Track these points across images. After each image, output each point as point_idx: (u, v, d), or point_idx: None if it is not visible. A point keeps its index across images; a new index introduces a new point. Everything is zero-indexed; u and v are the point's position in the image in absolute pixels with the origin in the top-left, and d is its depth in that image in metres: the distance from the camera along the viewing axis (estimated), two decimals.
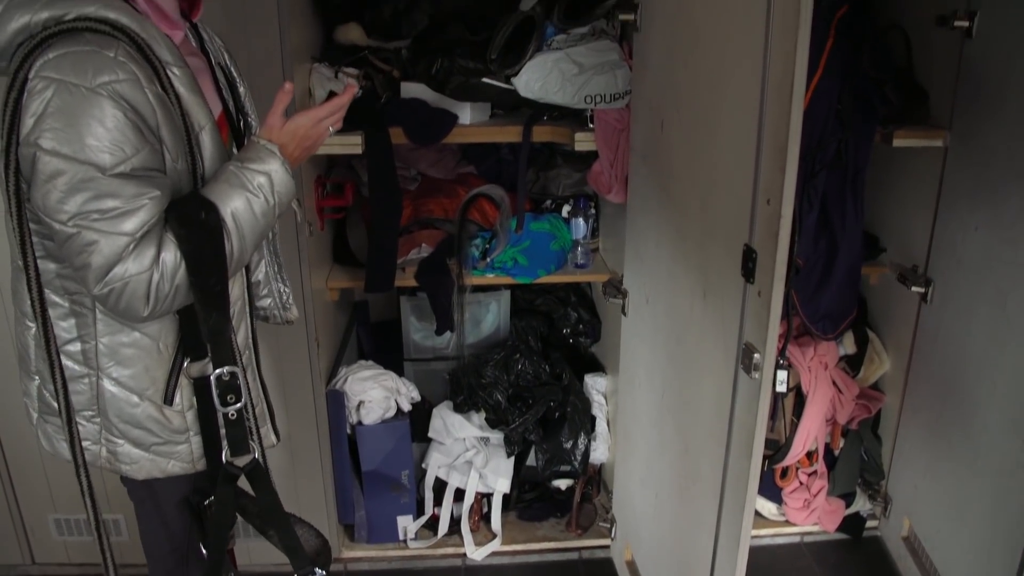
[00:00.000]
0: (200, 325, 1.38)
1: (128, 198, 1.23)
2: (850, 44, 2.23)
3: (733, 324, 1.57)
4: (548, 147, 2.68)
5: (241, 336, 1.55)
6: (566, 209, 2.64)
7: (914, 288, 2.38)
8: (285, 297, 1.79)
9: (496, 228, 2.55)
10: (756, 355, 1.48)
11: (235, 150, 1.52)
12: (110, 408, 1.44)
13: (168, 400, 1.45)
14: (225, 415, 1.43)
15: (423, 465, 2.76)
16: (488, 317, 2.87)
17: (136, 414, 1.45)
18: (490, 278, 2.55)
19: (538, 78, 2.17)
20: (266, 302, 1.76)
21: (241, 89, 1.60)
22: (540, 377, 2.73)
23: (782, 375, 1.62)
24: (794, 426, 2.54)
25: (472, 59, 2.19)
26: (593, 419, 2.74)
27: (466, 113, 2.33)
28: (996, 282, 2.08)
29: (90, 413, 1.46)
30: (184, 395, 1.47)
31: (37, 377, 1.49)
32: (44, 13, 1.21)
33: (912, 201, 2.44)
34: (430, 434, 2.75)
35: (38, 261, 1.34)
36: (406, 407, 2.61)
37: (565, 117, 2.32)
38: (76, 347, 1.42)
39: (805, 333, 2.53)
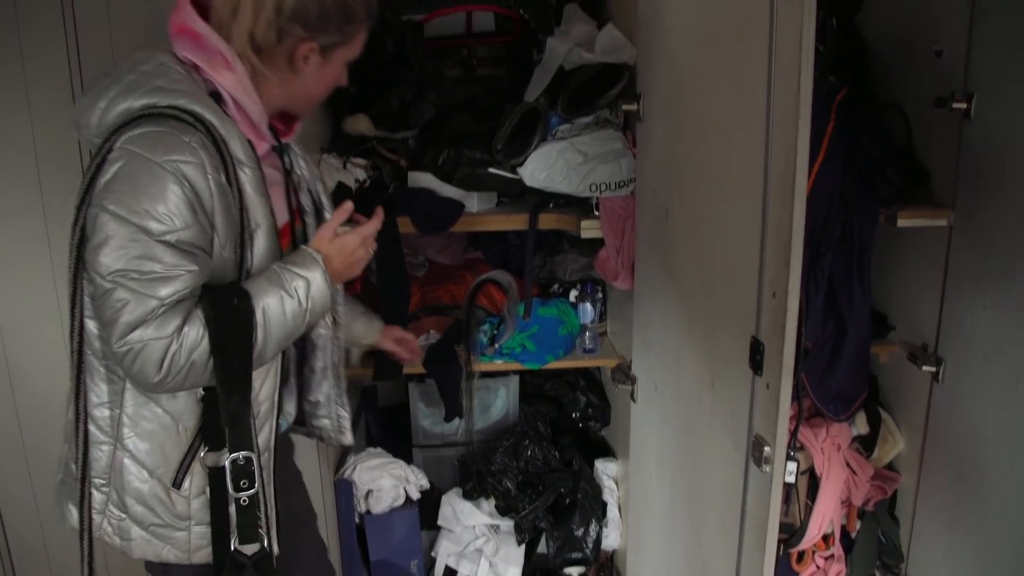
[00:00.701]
0: (220, 408, 1.41)
1: (168, 266, 1.31)
2: (851, 126, 2.25)
3: (742, 415, 1.56)
4: (555, 232, 2.70)
5: (263, 437, 1.54)
6: (573, 294, 2.65)
7: (925, 367, 2.36)
8: (343, 421, 1.84)
9: (504, 314, 2.56)
10: (766, 448, 1.46)
11: None
12: (120, 479, 1.47)
13: (177, 484, 1.47)
14: (237, 500, 1.45)
15: (432, 553, 2.72)
16: (497, 402, 2.85)
17: (143, 490, 1.47)
18: (499, 364, 2.55)
19: (543, 168, 2.20)
20: (323, 423, 1.83)
21: (327, 215, 1.67)
22: (550, 463, 2.71)
23: (791, 466, 1.60)
24: (809, 509, 2.50)
25: (478, 149, 2.23)
26: (604, 505, 2.70)
27: (473, 202, 2.35)
28: (1008, 363, 2.06)
29: (101, 481, 1.48)
30: (193, 482, 1.48)
31: (67, 441, 1.52)
32: (142, 100, 1.34)
33: (919, 280, 2.43)
34: (439, 522, 2.72)
35: (85, 320, 1.42)
36: (415, 495, 2.59)
37: (571, 204, 2.34)
38: (104, 412, 1.46)
39: (817, 414, 2.50)
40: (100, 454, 1.47)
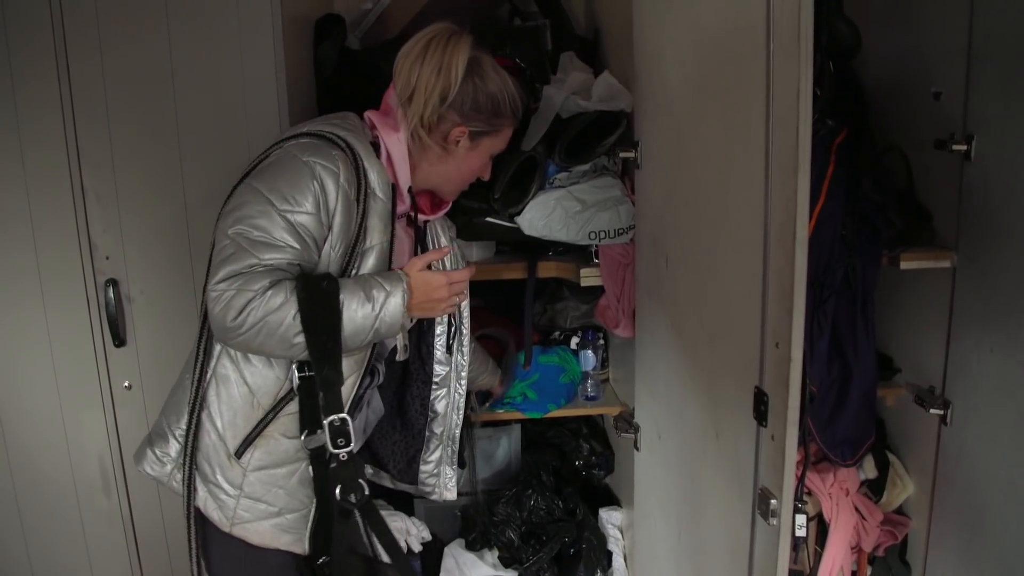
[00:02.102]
0: (315, 378, 1.60)
1: (279, 236, 1.54)
2: (851, 169, 2.23)
3: (748, 467, 1.53)
4: (555, 279, 2.69)
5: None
6: (574, 341, 2.63)
7: (932, 410, 2.33)
8: (448, 479, 2.16)
9: (501, 369, 2.54)
10: (773, 500, 1.43)
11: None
12: (198, 436, 1.68)
13: (239, 453, 1.66)
14: (337, 456, 1.64)
15: None
16: (499, 452, 2.82)
17: (210, 447, 1.68)
18: (500, 413, 2.52)
19: (542, 216, 2.19)
20: (432, 481, 2.14)
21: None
22: (553, 513, 2.66)
23: (801, 519, 1.57)
24: (818, 556, 2.46)
25: (475, 199, 2.22)
26: (609, 555, 2.66)
27: (471, 251, 2.34)
28: (1017, 406, 2.03)
29: (180, 432, 1.71)
30: (254, 456, 1.67)
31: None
32: (314, 128, 1.67)
33: (924, 322, 2.41)
34: (442, 574, 2.67)
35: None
36: (416, 548, 2.54)
37: (570, 252, 2.33)
38: (216, 371, 1.69)
39: (824, 459, 2.46)
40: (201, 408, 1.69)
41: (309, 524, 1.74)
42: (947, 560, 2.40)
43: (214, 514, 1.70)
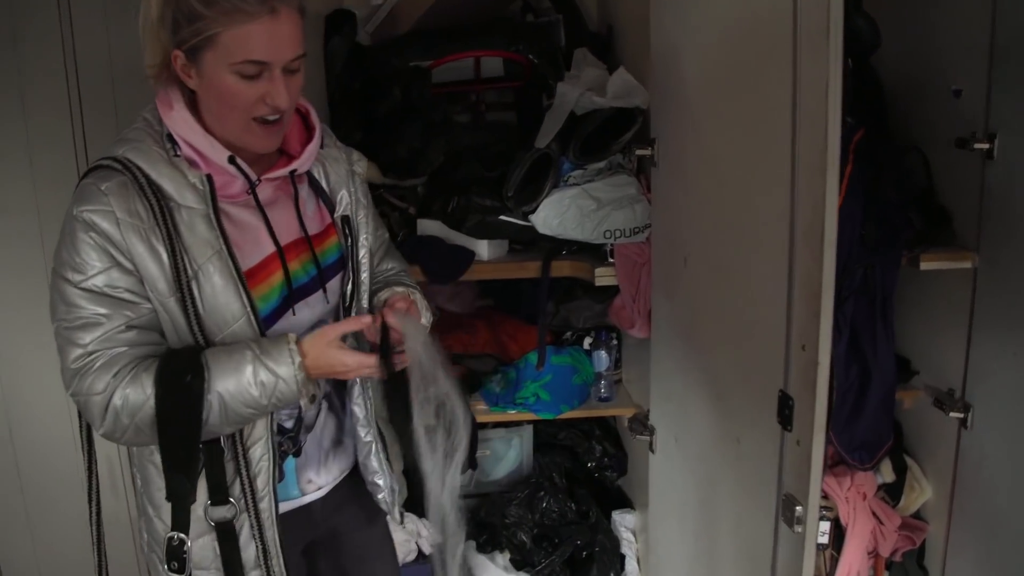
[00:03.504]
0: (165, 483, 1.42)
1: (88, 312, 1.34)
2: (870, 168, 2.20)
3: (771, 473, 1.50)
4: (568, 278, 2.65)
5: (260, 482, 1.48)
6: (587, 341, 2.59)
7: (952, 414, 2.29)
8: (394, 495, 1.77)
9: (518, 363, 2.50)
10: (798, 507, 1.39)
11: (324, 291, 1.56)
12: (143, 515, 1.54)
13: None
14: None
15: None
16: (510, 453, 2.79)
17: (155, 527, 1.50)
18: (512, 414, 2.49)
19: (556, 215, 2.16)
20: (380, 494, 1.75)
21: (362, 238, 1.62)
22: (566, 515, 2.63)
23: (824, 526, 1.53)
24: (834, 560, 2.42)
25: (488, 197, 2.18)
26: (623, 558, 2.62)
27: (484, 249, 2.31)
28: None
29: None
30: (194, 525, 1.46)
31: None
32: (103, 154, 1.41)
33: (944, 324, 2.37)
34: None
35: None
36: (427, 550, 2.52)
37: (585, 251, 2.29)
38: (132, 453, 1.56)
39: (840, 462, 2.43)
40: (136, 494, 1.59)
41: None
42: (966, 566, 2.36)
43: None
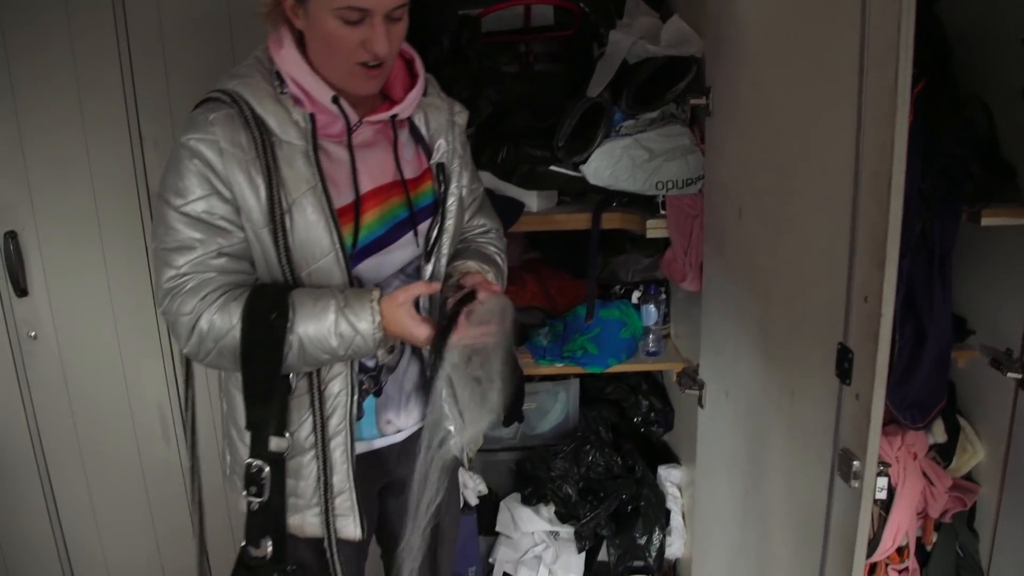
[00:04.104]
0: (245, 410, 1.49)
1: (183, 236, 1.41)
2: (930, 121, 2.14)
3: (827, 427, 1.47)
4: (616, 231, 2.62)
5: (335, 420, 1.55)
6: (636, 295, 2.56)
7: (1010, 374, 2.24)
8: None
9: (566, 316, 2.48)
10: (855, 462, 1.37)
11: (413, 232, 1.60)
12: (227, 439, 1.67)
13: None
14: (248, 504, 1.51)
15: (490, 560, 2.66)
16: (556, 407, 2.78)
17: (238, 451, 1.59)
18: (559, 368, 2.47)
19: (607, 165, 2.12)
20: (452, 440, 1.72)
21: (453, 186, 1.64)
22: (612, 469, 2.63)
23: (882, 482, 1.50)
24: (883, 520, 2.40)
25: (538, 147, 2.15)
26: (668, 513, 2.62)
27: (533, 200, 2.28)
28: None
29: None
30: None
31: None
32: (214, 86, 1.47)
33: (1003, 282, 2.31)
34: (498, 528, 2.66)
35: None
36: (473, 501, 2.53)
37: (635, 203, 2.25)
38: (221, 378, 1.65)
39: (891, 421, 2.39)
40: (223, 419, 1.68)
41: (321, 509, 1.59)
42: (1018, 529, 2.33)
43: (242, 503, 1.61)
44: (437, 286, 1.54)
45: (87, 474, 2.52)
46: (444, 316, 1.50)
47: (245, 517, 1.53)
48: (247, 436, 1.51)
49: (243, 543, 1.55)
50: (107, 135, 2.26)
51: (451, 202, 1.64)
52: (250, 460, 1.48)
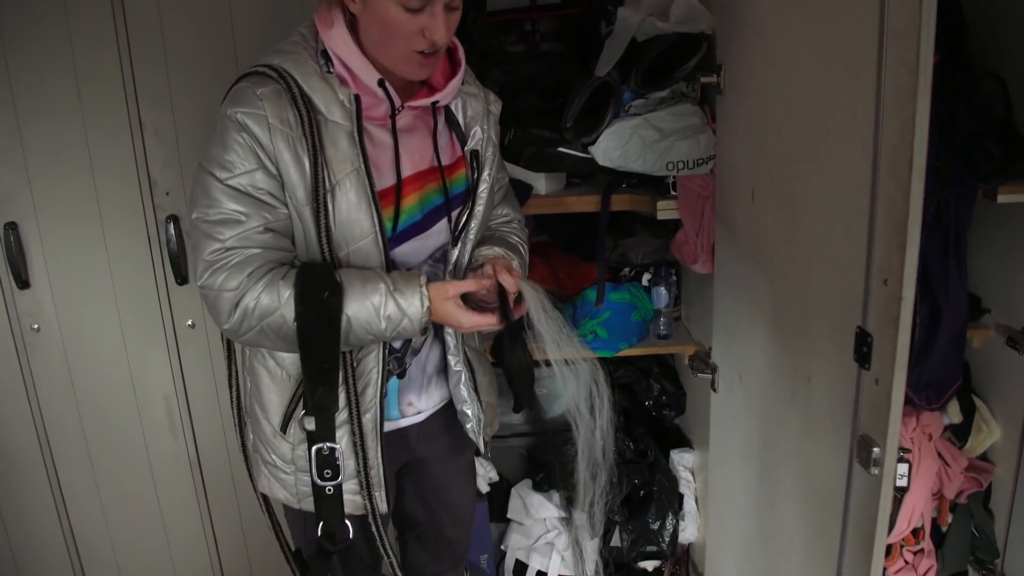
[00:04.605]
0: (307, 396, 1.49)
1: (229, 209, 1.40)
2: (945, 96, 2.09)
3: (845, 413, 1.44)
4: (625, 213, 2.58)
5: (368, 395, 1.57)
6: (646, 277, 2.53)
7: None
8: (480, 424, 1.80)
9: (575, 300, 2.44)
10: (875, 449, 1.34)
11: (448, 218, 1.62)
12: (250, 416, 1.66)
13: (283, 428, 1.58)
14: (323, 489, 1.53)
15: (502, 547, 2.65)
16: (567, 391, 2.75)
17: (262, 429, 1.62)
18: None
19: (617, 146, 2.08)
20: (469, 424, 1.79)
21: (486, 173, 1.64)
22: (624, 454, 2.60)
23: (903, 468, 1.48)
24: (898, 501, 2.37)
25: (546, 128, 2.12)
26: (681, 497, 2.60)
27: (541, 183, 2.25)
28: None
29: (247, 420, 1.70)
30: (297, 430, 1.56)
31: None
32: (259, 60, 1.47)
33: (1019, 260, 2.27)
34: (509, 514, 2.64)
35: None
36: (484, 488, 2.51)
37: (645, 184, 2.22)
38: (245, 355, 1.65)
39: (906, 402, 2.35)
40: (245, 395, 1.68)
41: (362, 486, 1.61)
42: None
43: (280, 494, 1.66)
44: (489, 283, 1.52)
45: (94, 467, 2.50)
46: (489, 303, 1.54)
47: (321, 506, 1.55)
48: (273, 412, 1.58)
49: (320, 531, 1.56)
50: (106, 123, 2.21)
51: (482, 189, 1.64)
52: (320, 444, 1.50)
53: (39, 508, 2.52)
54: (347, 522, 1.56)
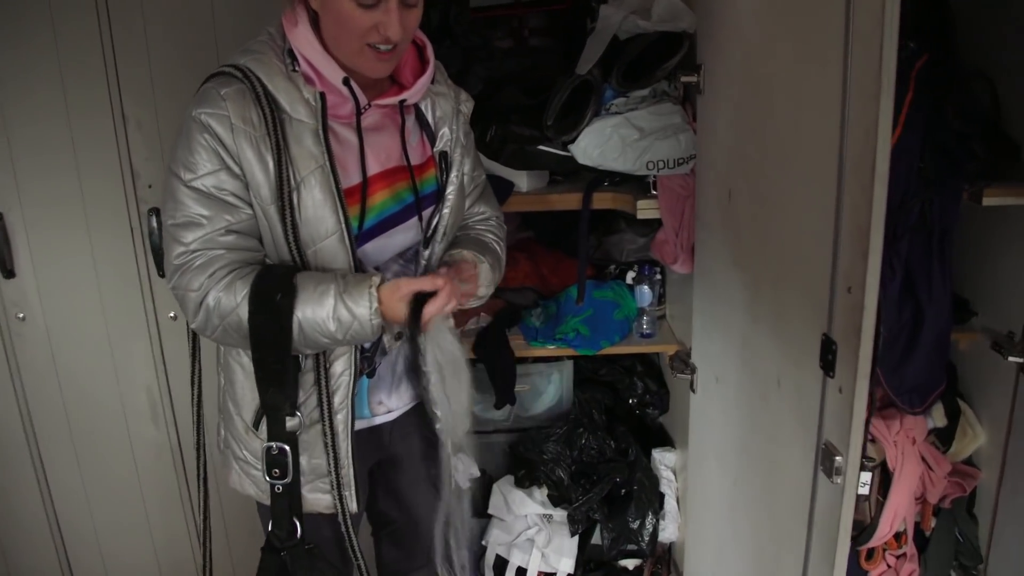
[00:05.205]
0: (260, 396, 1.50)
1: (192, 212, 1.41)
2: (932, 96, 2.07)
3: (812, 419, 1.43)
4: (612, 211, 2.57)
5: (339, 397, 1.57)
6: (630, 275, 2.51)
7: (1012, 358, 2.19)
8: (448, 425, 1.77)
9: (559, 297, 2.44)
10: (838, 458, 1.33)
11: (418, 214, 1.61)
12: (223, 412, 1.66)
13: (255, 424, 1.58)
14: (272, 487, 1.53)
15: (483, 542, 2.64)
16: (550, 388, 2.74)
17: (239, 425, 1.61)
18: (551, 350, 2.44)
19: (596, 144, 2.07)
20: (438, 424, 1.78)
21: (453, 175, 1.64)
22: (605, 453, 2.59)
23: (865, 477, 1.46)
24: (880, 505, 2.35)
25: (527, 125, 2.11)
26: (662, 496, 2.58)
27: (523, 180, 2.24)
28: None
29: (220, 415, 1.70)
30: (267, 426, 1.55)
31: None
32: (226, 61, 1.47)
33: (1006, 263, 2.25)
34: (490, 510, 2.64)
35: None
36: (464, 484, 2.49)
37: (627, 182, 2.21)
38: (220, 351, 1.66)
39: (890, 405, 2.34)
40: (218, 391, 1.68)
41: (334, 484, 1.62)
42: (1018, 514, 2.29)
43: (251, 490, 1.66)
44: (442, 283, 1.47)
45: (78, 455, 2.51)
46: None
47: (270, 502, 1.55)
48: (246, 408, 1.58)
49: (269, 528, 1.58)
50: (90, 116, 2.21)
51: (450, 190, 1.64)
52: (269, 444, 1.51)
53: (24, 492, 2.53)
54: (296, 521, 1.56)
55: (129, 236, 2.32)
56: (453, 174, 1.63)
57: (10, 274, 2.34)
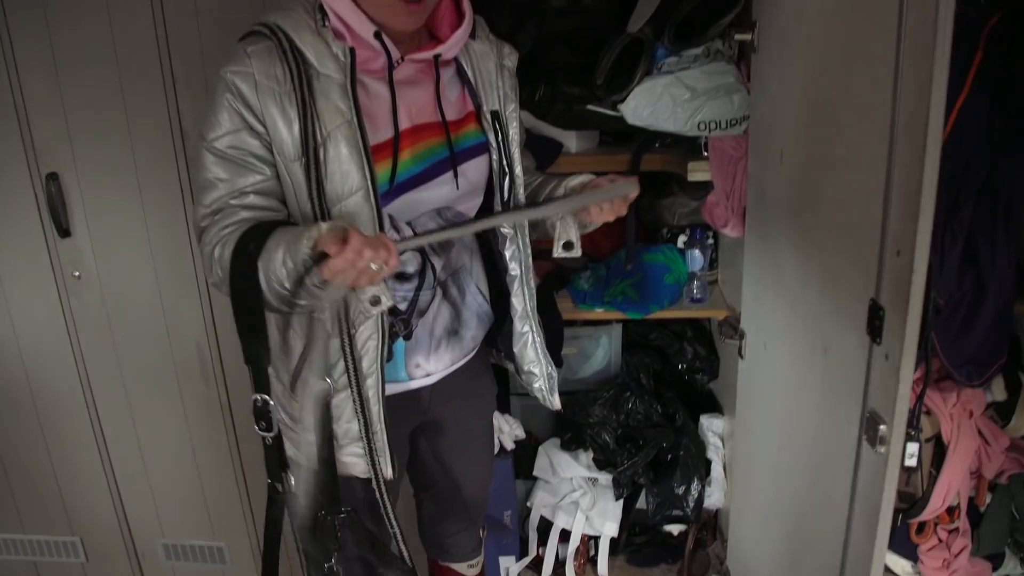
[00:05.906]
0: (242, 346, 1.45)
1: (211, 173, 1.43)
2: (1004, 57, 1.98)
3: (857, 387, 1.39)
4: (664, 173, 2.53)
5: (366, 362, 1.53)
6: (682, 239, 2.47)
7: None
8: (552, 381, 1.86)
9: (609, 260, 2.40)
10: (882, 426, 1.29)
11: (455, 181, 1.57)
12: (272, 375, 1.58)
13: (292, 386, 1.58)
14: (263, 439, 1.52)
15: (528, 503, 2.65)
16: (598, 352, 2.72)
17: (277, 390, 1.59)
18: (599, 313, 2.41)
19: (647, 104, 2.02)
20: (537, 383, 1.84)
21: (512, 131, 1.63)
22: (651, 418, 2.57)
23: (913, 448, 1.42)
24: (933, 478, 2.30)
25: (576, 85, 2.07)
26: (708, 463, 2.56)
27: (572, 141, 2.20)
28: None
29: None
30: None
31: None
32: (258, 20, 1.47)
33: None
34: (535, 472, 2.64)
35: None
36: (509, 446, 2.50)
37: (679, 144, 2.16)
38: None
39: (948, 376, 2.28)
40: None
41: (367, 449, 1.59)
42: None
43: (292, 453, 1.62)
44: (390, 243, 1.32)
45: (132, 409, 2.56)
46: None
47: (265, 454, 1.54)
48: (283, 374, 1.59)
49: (267, 480, 1.56)
50: (140, 76, 2.22)
51: (514, 149, 1.63)
52: (255, 396, 1.48)
53: (82, 445, 2.61)
54: (287, 475, 1.54)
55: (179, 195, 2.33)
56: (512, 131, 1.62)
57: (66, 233, 2.38)
